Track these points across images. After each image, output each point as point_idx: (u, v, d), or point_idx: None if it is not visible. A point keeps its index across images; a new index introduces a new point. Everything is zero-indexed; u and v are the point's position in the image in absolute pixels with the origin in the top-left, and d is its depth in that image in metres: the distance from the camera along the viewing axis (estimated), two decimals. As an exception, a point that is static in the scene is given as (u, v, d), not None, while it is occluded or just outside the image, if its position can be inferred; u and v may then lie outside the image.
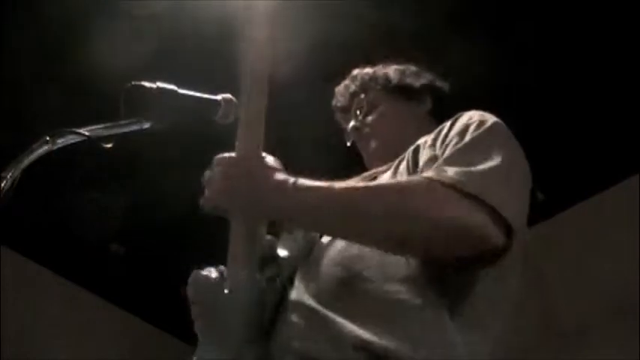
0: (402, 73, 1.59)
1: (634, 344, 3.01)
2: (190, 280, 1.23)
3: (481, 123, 1.19)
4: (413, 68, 1.61)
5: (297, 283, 1.17)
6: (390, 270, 1.10)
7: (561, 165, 3.21)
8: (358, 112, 1.55)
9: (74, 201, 3.56)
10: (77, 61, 2.89)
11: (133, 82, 1.23)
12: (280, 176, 1.11)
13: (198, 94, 1.29)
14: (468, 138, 1.16)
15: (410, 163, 1.24)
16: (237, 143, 1.15)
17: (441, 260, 1.08)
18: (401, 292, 1.08)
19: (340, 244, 1.16)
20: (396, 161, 1.31)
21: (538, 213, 1.21)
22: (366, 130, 1.52)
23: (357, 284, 1.11)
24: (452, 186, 1.05)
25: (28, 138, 1.14)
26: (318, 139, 2.57)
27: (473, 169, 1.07)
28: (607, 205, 3.45)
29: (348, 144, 1.58)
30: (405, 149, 1.42)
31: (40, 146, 1.13)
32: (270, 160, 1.16)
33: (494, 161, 1.10)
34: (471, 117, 1.23)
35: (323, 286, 1.13)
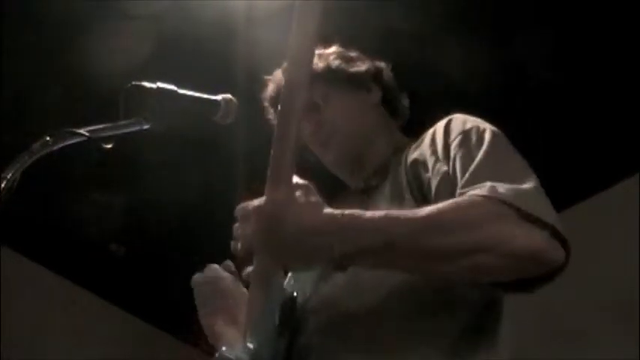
0: (342, 59, 1.46)
1: (634, 344, 3.01)
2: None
3: (479, 129, 1.15)
4: (347, 52, 1.48)
5: (309, 320, 1.14)
6: (408, 304, 1.09)
7: (561, 165, 3.21)
8: (308, 111, 1.38)
9: (74, 201, 3.56)
10: (77, 61, 2.89)
11: (132, 83, 1.23)
12: (324, 219, 0.99)
13: (198, 95, 1.29)
14: (482, 150, 1.11)
15: (411, 182, 1.18)
16: (268, 177, 1.03)
17: (501, 282, 1.05)
18: (419, 326, 1.07)
19: (352, 280, 1.10)
20: (390, 176, 1.26)
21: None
22: (324, 130, 1.40)
23: (371, 321, 1.08)
24: (511, 205, 1.00)
25: (28, 138, 1.14)
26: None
27: (521, 186, 1.04)
28: (607, 205, 3.45)
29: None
30: (368, 145, 1.39)
31: (40, 146, 1.13)
32: (308, 193, 1.02)
33: (529, 177, 1.07)
34: (464, 122, 1.18)
35: (338, 323, 1.10)
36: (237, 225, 1.03)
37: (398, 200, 1.19)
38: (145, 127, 1.23)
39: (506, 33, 2.85)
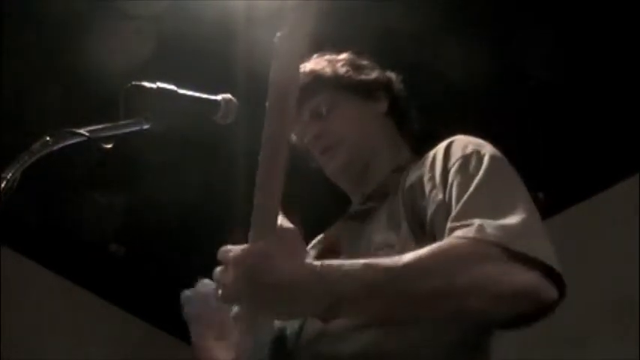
0: (351, 67, 1.42)
1: (634, 344, 3.01)
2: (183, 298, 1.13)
3: (479, 155, 1.12)
4: (356, 58, 1.45)
5: (298, 357, 1.12)
6: (399, 339, 1.08)
7: (561, 165, 3.21)
8: (313, 118, 1.38)
9: (74, 201, 3.56)
10: (77, 61, 2.89)
11: (132, 83, 1.22)
12: (304, 272, 0.94)
13: (198, 95, 1.28)
14: (478, 178, 1.08)
15: (408, 208, 1.16)
16: (251, 229, 0.97)
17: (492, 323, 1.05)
18: None
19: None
20: (387, 201, 1.23)
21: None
22: (327, 138, 1.37)
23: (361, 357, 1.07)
24: (497, 245, 0.98)
25: (28, 138, 1.14)
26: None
27: (509, 222, 1.01)
28: (607, 205, 3.45)
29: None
30: (372, 156, 1.36)
31: (40, 146, 1.12)
32: (291, 242, 0.97)
33: (521, 209, 1.04)
34: (466, 146, 1.15)
35: (330, 354, 1.09)
36: (217, 270, 0.98)
37: (394, 228, 1.17)
38: (145, 127, 1.23)
39: (506, 33, 2.85)
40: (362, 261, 0.98)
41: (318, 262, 0.96)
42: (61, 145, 1.14)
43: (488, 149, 1.14)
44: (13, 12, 2.75)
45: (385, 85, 1.44)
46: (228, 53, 2.93)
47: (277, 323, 1.10)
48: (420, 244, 1.05)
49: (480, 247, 0.98)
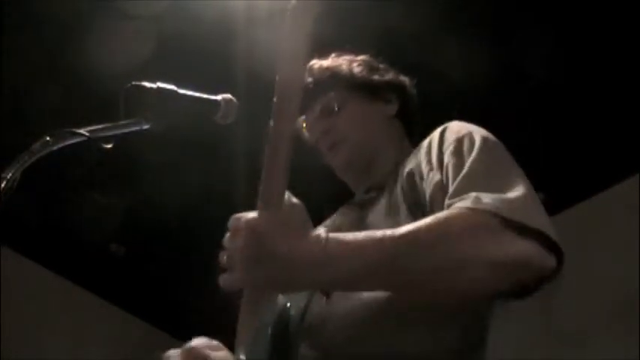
0: (366, 67, 1.46)
1: (634, 344, 3.01)
2: None
3: (471, 135, 1.14)
4: (372, 60, 1.49)
5: (302, 336, 1.13)
6: (401, 319, 1.08)
7: (561, 165, 3.22)
8: (324, 113, 1.42)
9: (74, 201, 3.56)
10: (77, 61, 2.89)
11: (132, 83, 1.22)
12: (309, 244, 0.96)
13: (198, 95, 1.28)
14: (472, 157, 1.10)
15: (407, 193, 1.18)
16: (259, 194, 1.00)
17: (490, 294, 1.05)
18: (419, 342, 1.07)
19: (346, 295, 1.10)
20: (387, 189, 1.25)
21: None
22: (335, 133, 1.41)
23: (369, 337, 1.08)
24: (495, 215, 0.98)
25: (28, 138, 1.14)
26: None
27: (506, 195, 1.02)
28: (607, 205, 3.45)
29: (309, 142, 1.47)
30: (376, 155, 1.39)
31: (40, 146, 1.13)
32: (298, 215, 1.00)
33: (517, 184, 1.05)
34: (459, 130, 1.17)
35: (331, 341, 1.10)
36: (227, 236, 0.99)
37: (393, 212, 1.19)
38: (145, 127, 1.23)
39: (506, 33, 2.85)
40: (364, 233, 1.00)
41: (323, 236, 0.97)
42: (61, 145, 1.14)
43: (480, 131, 1.17)
44: (13, 12, 2.75)
45: (397, 88, 1.47)
46: (228, 53, 2.93)
47: (281, 303, 1.10)
48: None
49: (477, 216, 0.99)
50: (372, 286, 1.02)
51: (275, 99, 1.00)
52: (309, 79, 1.43)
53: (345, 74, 1.44)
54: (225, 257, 0.97)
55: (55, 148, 1.13)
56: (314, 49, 1.40)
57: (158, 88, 1.24)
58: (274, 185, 0.99)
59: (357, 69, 1.45)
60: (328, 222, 1.38)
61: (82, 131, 1.15)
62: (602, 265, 3.27)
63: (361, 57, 1.49)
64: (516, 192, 1.03)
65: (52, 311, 4.09)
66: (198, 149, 3.30)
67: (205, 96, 1.29)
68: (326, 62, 1.46)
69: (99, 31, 2.80)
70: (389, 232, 0.99)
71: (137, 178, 3.50)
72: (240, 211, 1.05)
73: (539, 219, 1.01)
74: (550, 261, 1.00)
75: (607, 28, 2.81)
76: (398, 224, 1.07)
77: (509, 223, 0.98)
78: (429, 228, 0.99)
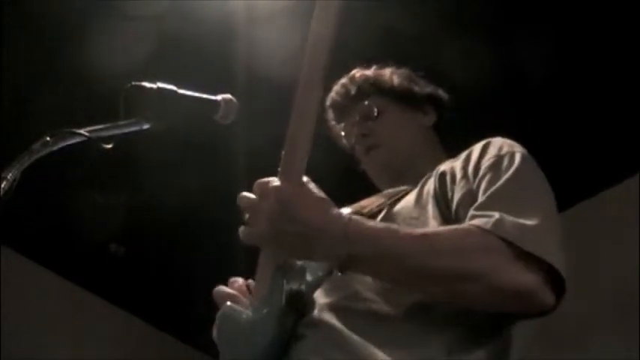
0: (407, 79, 1.53)
1: (634, 344, 3.01)
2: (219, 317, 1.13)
3: (513, 156, 1.18)
4: (414, 75, 1.56)
5: (319, 297, 1.15)
6: (417, 303, 1.10)
7: (561, 165, 3.21)
8: (363, 118, 1.48)
9: (74, 201, 3.56)
10: (77, 61, 2.89)
11: (132, 83, 1.23)
12: (331, 219, 1.03)
13: (198, 95, 1.29)
14: (507, 176, 1.13)
15: (437, 190, 1.21)
16: (280, 169, 1.06)
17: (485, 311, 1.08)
18: (425, 322, 1.08)
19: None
20: (420, 183, 1.28)
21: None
22: (373, 138, 1.47)
23: (383, 311, 1.10)
24: (510, 243, 1.03)
25: (28, 138, 1.14)
26: (316, 138, 2.57)
27: (528, 222, 1.06)
28: (607, 205, 3.45)
29: (345, 147, 1.53)
30: (411, 162, 1.43)
31: (41, 146, 1.13)
32: (315, 190, 1.06)
33: (543, 212, 1.09)
34: (501, 147, 1.21)
35: (348, 304, 1.12)
36: (249, 199, 1.04)
37: (422, 204, 1.22)
38: (145, 127, 1.23)
39: (506, 32, 2.85)
40: (383, 224, 1.08)
41: (346, 216, 1.04)
42: (61, 145, 1.14)
43: (521, 151, 1.20)
44: (13, 12, 2.75)
45: (436, 101, 1.53)
46: (228, 53, 2.93)
47: (299, 264, 1.12)
48: (443, 224, 1.14)
49: (493, 240, 1.03)
50: (379, 273, 1.07)
51: (302, 71, 1.07)
52: (351, 87, 1.51)
53: (386, 83, 1.51)
54: (249, 214, 1.03)
55: (55, 148, 1.13)
56: (357, 64, 1.53)
57: (158, 88, 1.24)
58: (296, 160, 1.05)
59: (398, 79, 1.52)
60: (355, 205, 1.40)
61: (82, 131, 1.16)
62: (602, 264, 3.27)
63: (402, 70, 1.55)
64: (538, 219, 1.07)
65: (52, 311, 4.09)
66: (198, 149, 3.30)
67: (205, 96, 1.30)
68: (368, 71, 1.53)
69: (99, 31, 2.80)
70: (408, 229, 1.08)
71: (137, 178, 3.50)
72: (240, 211, 1.07)
73: (551, 252, 1.05)
74: (549, 298, 1.04)
75: (607, 28, 2.81)
76: (424, 215, 1.18)
77: (521, 252, 1.02)
78: (445, 236, 1.06)
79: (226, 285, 1.21)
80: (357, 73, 1.54)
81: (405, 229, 1.08)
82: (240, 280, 1.20)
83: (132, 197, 3.62)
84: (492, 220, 1.05)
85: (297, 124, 1.06)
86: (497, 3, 2.79)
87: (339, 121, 1.55)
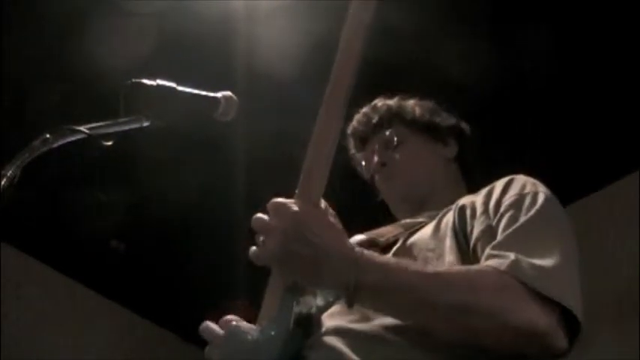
0: (428, 110, 1.53)
1: (634, 344, 3.01)
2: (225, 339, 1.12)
3: (536, 196, 1.17)
4: (435, 106, 1.56)
5: (326, 322, 1.14)
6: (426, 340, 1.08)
7: (561, 163, 3.21)
8: (384, 147, 1.48)
9: (75, 198, 3.56)
10: (77, 59, 2.89)
11: (132, 80, 1.23)
12: (344, 244, 1.03)
13: (198, 92, 1.29)
14: (528, 216, 1.13)
15: (456, 224, 1.20)
16: (297, 191, 1.05)
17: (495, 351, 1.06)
18: (430, 349, 1.07)
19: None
20: (438, 216, 1.27)
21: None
22: (393, 167, 1.46)
23: (388, 335, 1.09)
24: (525, 284, 1.02)
25: (28, 136, 1.14)
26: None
27: (545, 264, 1.05)
28: (607, 203, 3.45)
29: (366, 176, 1.53)
30: (431, 193, 1.43)
31: (40, 144, 1.13)
32: (331, 216, 1.07)
33: (561, 254, 1.08)
34: (524, 185, 1.20)
35: (356, 330, 1.11)
36: (261, 219, 1.02)
37: (439, 236, 1.21)
38: (145, 124, 1.23)
39: (506, 31, 2.85)
40: (395, 259, 1.08)
41: (360, 249, 1.03)
42: (61, 142, 1.14)
43: (545, 192, 1.20)
44: (13, 12, 2.75)
45: (457, 133, 1.53)
46: (228, 51, 2.93)
47: (309, 290, 1.11)
48: (459, 259, 1.13)
49: (508, 280, 1.03)
50: (388, 306, 1.06)
51: (326, 94, 1.06)
52: (373, 115, 1.51)
53: (408, 113, 1.51)
54: (260, 233, 1.01)
55: (55, 145, 1.13)
56: (380, 93, 1.54)
57: (158, 85, 1.24)
58: (314, 182, 1.04)
59: (419, 110, 1.51)
60: (371, 232, 1.39)
61: (82, 129, 1.15)
62: (602, 264, 3.27)
63: (425, 101, 1.55)
64: (555, 261, 1.06)
65: (52, 309, 4.09)
66: (198, 146, 3.30)
67: (205, 93, 1.29)
68: (390, 101, 1.53)
69: (99, 29, 2.80)
70: (420, 266, 1.07)
71: (137, 176, 3.50)
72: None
73: (567, 294, 1.05)
74: (562, 341, 1.04)
75: (607, 27, 2.81)
76: (440, 247, 1.16)
77: (536, 293, 1.02)
78: (459, 274, 1.05)
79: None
80: (379, 102, 1.54)
81: (418, 266, 1.07)
82: (230, 317, 1.18)
83: (132, 194, 3.62)
84: (508, 261, 1.04)
85: (318, 145, 1.05)
86: (497, 3, 2.79)
87: (359, 150, 1.55)
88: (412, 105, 1.53)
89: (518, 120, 3.12)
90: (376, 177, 1.49)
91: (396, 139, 1.47)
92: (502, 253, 1.06)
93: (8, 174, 1.08)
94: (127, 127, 1.21)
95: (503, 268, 1.04)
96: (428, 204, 1.41)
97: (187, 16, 2.82)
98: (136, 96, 1.22)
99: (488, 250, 1.09)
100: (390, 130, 1.49)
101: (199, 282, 3.86)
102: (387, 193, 1.50)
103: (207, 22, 2.84)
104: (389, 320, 1.08)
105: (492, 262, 1.06)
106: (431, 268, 1.07)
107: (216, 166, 3.37)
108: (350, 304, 1.02)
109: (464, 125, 1.55)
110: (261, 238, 1.02)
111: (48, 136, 1.14)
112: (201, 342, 1.21)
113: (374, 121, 1.51)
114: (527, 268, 1.04)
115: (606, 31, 2.83)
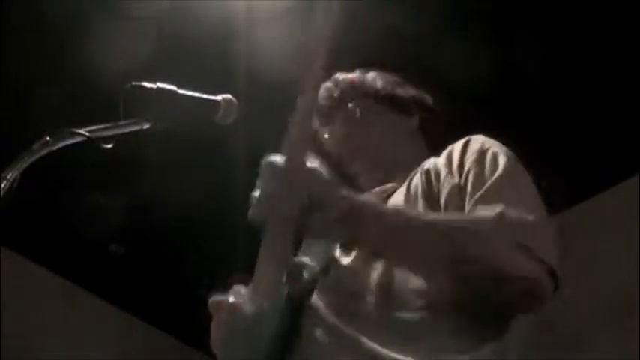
0: (391, 82, 1.52)
1: (634, 345, 3.01)
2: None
3: (495, 153, 1.20)
4: (398, 78, 1.55)
5: (318, 296, 1.16)
6: (416, 296, 1.11)
7: (561, 165, 3.21)
8: (347, 121, 1.47)
9: (74, 201, 3.56)
10: (77, 61, 2.89)
11: (132, 83, 1.23)
12: (338, 192, 1.06)
13: (198, 95, 1.29)
14: (498, 172, 1.16)
15: (424, 186, 1.23)
16: (285, 150, 1.07)
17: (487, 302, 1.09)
18: (425, 317, 1.10)
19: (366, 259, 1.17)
20: (406, 182, 1.29)
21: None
22: (357, 139, 1.46)
23: (382, 307, 1.12)
24: (514, 235, 1.06)
25: (28, 138, 1.14)
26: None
27: (527, 219, 1.09)
28: (607, 205, 3.45)
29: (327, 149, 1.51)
30: (396, 163, 1.43)
31: (41, 146, 1.13)
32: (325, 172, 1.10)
33: (537, 207, 1.13)
34: (482, 144, 1.23)
35: (347, 304, 1.14)
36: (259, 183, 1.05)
37: (409, 203, 1.24)
38: (145, 127, 1.23)
39: (505, 32, 2.85)
40: (395, 206, 1.15)
41: (353, 195, 1.07)
42: (61, 145, 1.14)
43: (504, 149, 1.23)
44: (13, 12, 2.75)
45: (420, 103, 1.53)
46: (229, 53, 2.93)
47: (299, 260, 1.13)
48: None
49: (498, 227, 1.06)
50: (382, 249, 1.10)
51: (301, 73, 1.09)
52: (335, 90, 1.49)
53: (369, 86, 1.50)
54: (257, 192, 1.04)
55: (55, 148, 1.13)
56: (341, 63, 1.47)
57: (158, 88, 1.24)
58: (297, 155, 1.06)
59: (381, 82, 1.51)
60: None
61: (82, 131, 1.16)
62: (602, 265, 3.27)
63: (387, 72, 1.55)
64: (534, 215, 1.10)
65: (52, 311, 4.09)
66: (198, 149, 3.30)
67: (205, 96, 1.30)
68: (352, 75, 1.52)
69: (99, 31, 2.80)
70: (416, 212, 1.15)
71: (137, 178, 3.49)
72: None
73: (551, 250, 1.09)
74: (549, 289, 1.08)
75: (607, 28, 2.81)
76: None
77: (524, 246, 1.06)
78: (461, 227, 1.09)
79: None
80: (340, 76, 1.52)
81: (417, 211, 1.14)
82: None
83: (132, 197, 3.62)
84: (497, 212, 1.07)
85: (298, 122, 1.07)
86: (497, 3, 2.79)
87: (323, 125, 1.53)
88: (374, 77, 1.52)
89: (518, 123, 3.12)
90: (340, 150, 1.48)
91: (359, 112, 1.47)
92: (486, 206, 1.10)
93: (8, 176, 1.08)
94: (127, 130, 1.21)
95: (494, 215, 1.07)
96: (394, 173, 1.42)
97: (188, 19, 2.82)
98: (136, 99, 1.22)
99: (468, 207, 1.13)
100: (352, 103, 1.48)
101: (198, 285, 3.86)
102: (352, 166, 1.48)
103: (208, 25, 2.85)
104: (377, 299, 1.12)
105: (483, 212, 1.09)
106: (431, 215, 1.14)
107: (217, 169, 3.37)
108: (348, 249, 1.09)
109: (426, 95, 1.55)
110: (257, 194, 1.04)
111: (48, 138, 1.14)
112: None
113: (336, 95, 1.49)
114: (515, 221, 1.07)
115: (606, 34, 2.83)
